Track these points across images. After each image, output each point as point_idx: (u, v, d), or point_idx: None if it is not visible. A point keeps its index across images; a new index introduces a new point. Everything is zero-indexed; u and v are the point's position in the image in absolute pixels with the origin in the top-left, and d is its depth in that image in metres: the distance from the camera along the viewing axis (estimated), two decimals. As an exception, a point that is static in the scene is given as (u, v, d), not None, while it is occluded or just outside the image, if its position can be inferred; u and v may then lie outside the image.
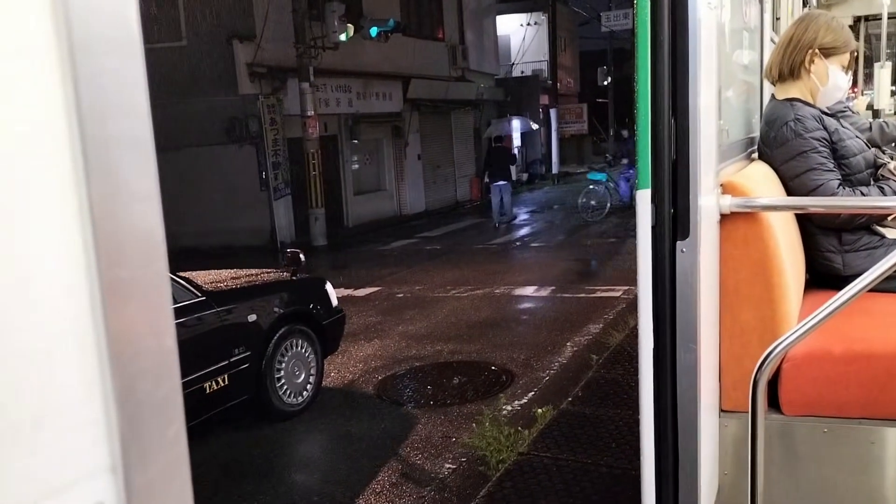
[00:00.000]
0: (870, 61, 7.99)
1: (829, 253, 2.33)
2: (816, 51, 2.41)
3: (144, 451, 0.48)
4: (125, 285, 0.47)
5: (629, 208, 13.96)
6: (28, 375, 0.43)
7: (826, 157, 2.28)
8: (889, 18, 6.06)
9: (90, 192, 0.46)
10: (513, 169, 16.93)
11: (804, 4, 5.40)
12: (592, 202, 15.05)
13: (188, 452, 0.52)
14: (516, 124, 21.65)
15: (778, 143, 2.33)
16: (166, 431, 0.49)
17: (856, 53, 2.52)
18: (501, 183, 15.07)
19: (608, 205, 14.99)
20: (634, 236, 1.71)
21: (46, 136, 0.45)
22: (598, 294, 8.46)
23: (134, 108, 0.49)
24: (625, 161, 15.84)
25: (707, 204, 1.71)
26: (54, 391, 0.45)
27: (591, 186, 15.46)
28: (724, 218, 1.85)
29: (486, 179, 15.96)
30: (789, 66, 2.45)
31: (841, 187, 2.23)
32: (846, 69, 2.47)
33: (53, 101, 0.45)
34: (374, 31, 14.78)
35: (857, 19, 6.87)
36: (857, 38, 7.13)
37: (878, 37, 6.81)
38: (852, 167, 2.36)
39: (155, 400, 0.48)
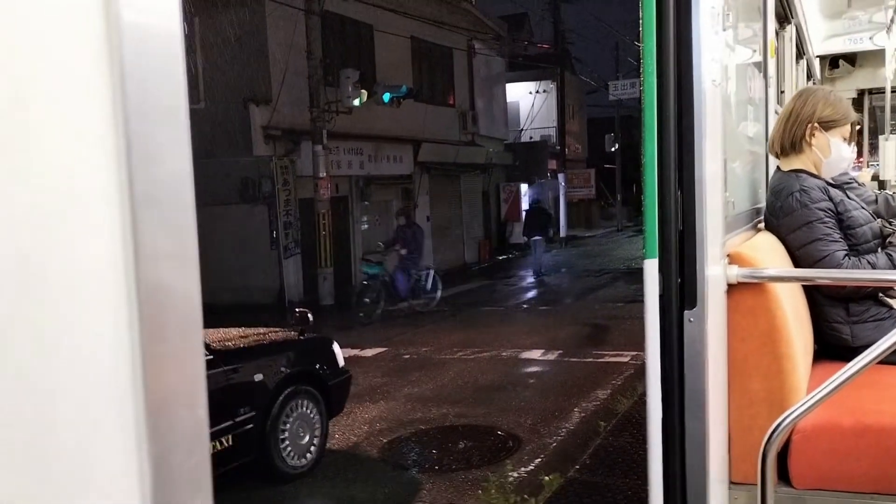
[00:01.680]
0: (874, 133, 8.09)
1: (837, 324, 2.33)
2: (816, 124, 2.46)
3: None
4: (164, 356, 0.49)
5: (407, 301, 13.00)
6: (67, 445, 0.45)
7: (832, 228, 2.31)
8: (893, 91, 6.17)
9: (137, 259, 0.48)
10: (548, 227, 19.32)
11: (808, 78, 5.52)
12: (366, 299, 12.69)
13: None
14: (537, 193, 23.39)
15: (784, 213, 2.36)
16: (194, 502, 0.51)
17: (857, 125, 2.58)
18: (537, 238, 17.57)
19: (382, 302, 12.58)
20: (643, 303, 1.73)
21: (95, 192, 0.47)
22: (607, 359, 8.40)
23: (180, 169, 0.51)
24: (403, 251, 13.23)
25: (714, 274, 1.73)
26: (93, 460, 0.46)
27: (364, 282, 13.33)
28: (732, 288, 1.86)
29: (525, 236, 18.76)
30: (791, 140, 2.50)
31: (847, 258, 2.25)
32: (848, 140, 2.52)
33: (104, 165, 0.47)
34: (386, 96, 15.14)
35: (861, 92, 7.01)
36: (862, 111, 7.25)
37: (882, 109, 6.93)
38: (858, 237, 2.38)
39: (186, 470, 0.50)
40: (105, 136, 0.47)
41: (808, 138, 2.47)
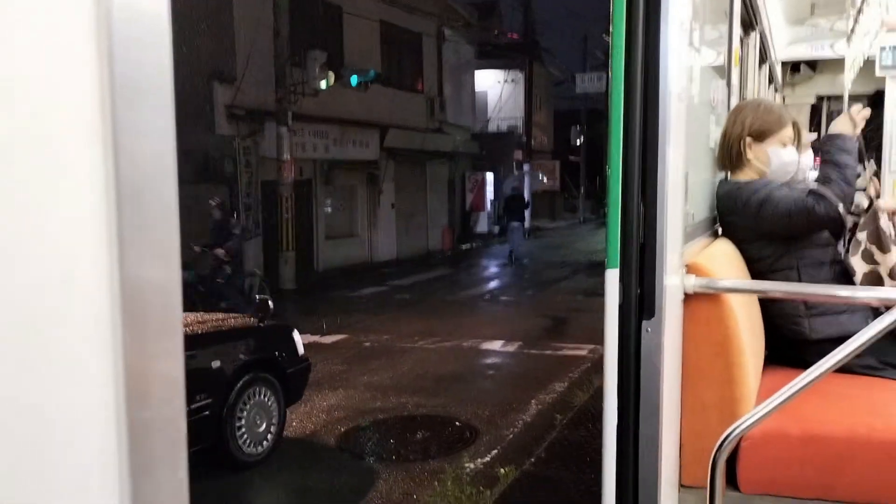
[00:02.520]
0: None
1: (797, 317, 2.38)
2: (747, 139, 2.51)
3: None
4: (145, 345, 0.49)
5: None
6: (48, 437, 0.45)
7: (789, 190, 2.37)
8: (850, 98, 6.33)
9: (121, 247, 0.47)
10: (526, 213, 20.21)
11: (770, 82, 5.63)
12: None
13: None
14: (516, 181, 24.81)
15: (748, 207, 2.40)
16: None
17: (796, 124, 2.61)
18: (515, 224, 18.47)
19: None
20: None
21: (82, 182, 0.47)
22: (565, 352, 8.50)
23: (164, 151, 0.51)
24: (220, 252, 10.55)
25: (672, 284, 1.76)
26: (73, 450, 0.47)
27: None
28: (688, 298, 1.90)
29: (505, 221, 19.91)
30: (730, 158, 2.56)
31: (811, 196, 2.30)
32: (792, 143, 2.56)
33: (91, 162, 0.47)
34: (354, 80, 15.00)
35: (821, 98, 7.17)
36: (820, 116, 7.42)
37: (840, 114, 7.10)
38: (819, 238, 2.45)
39: (165, 459, 0.51)
40: (91, 116, 0.47)
41: (745, 154, 2.52)
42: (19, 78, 0.44)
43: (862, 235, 2.43)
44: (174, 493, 0.52)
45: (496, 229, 25.18)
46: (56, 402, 0.46)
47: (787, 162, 2.52)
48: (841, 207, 2.27)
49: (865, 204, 2.60)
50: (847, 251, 2.50)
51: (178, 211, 0.52)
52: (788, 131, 2.53)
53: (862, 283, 2.39)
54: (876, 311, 2.26)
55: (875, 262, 2.39)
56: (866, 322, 2.26)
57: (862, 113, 2.50)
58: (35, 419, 0.45)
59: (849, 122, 2.48)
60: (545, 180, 30.30)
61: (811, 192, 2.31)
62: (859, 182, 2.53)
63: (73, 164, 0.47)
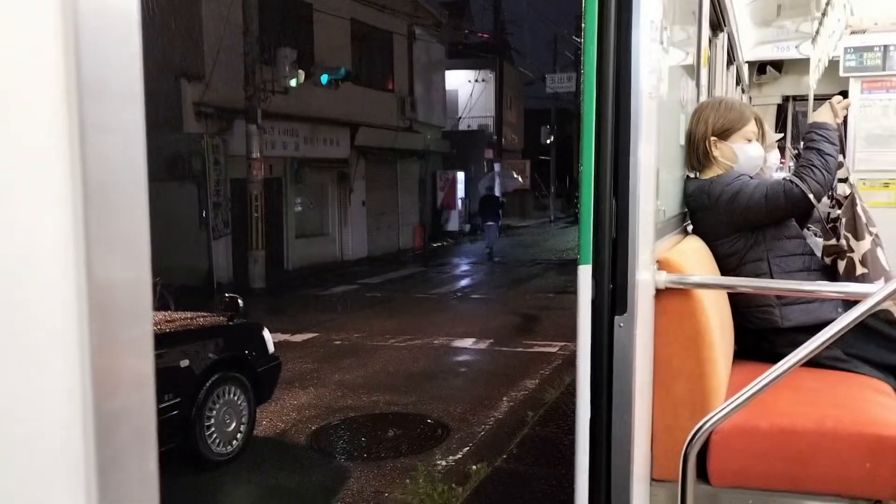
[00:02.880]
0: (797, 138, 8.43)
1: (768, 307, 2.41)
2: (712, 138, 2.55)
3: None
4: (114, 345, 0.48)
5: None
6: (12, 435, 0.44)
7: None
8: (815, 99, 6.44)
9: (88, 242, 0.47)
10: (500, 212, 20.60)
11: (737, 83, 5.71)
12: None
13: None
14: (490, 181, 25.28)
15: (720, 199, 2.43)
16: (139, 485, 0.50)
17: (759, 119, 2.65)
18: (491, 223, 18.94)
19: None
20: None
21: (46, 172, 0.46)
22: (536, 349, 8.54)
23: (133, 150, 0.51)
24: None
25: (644, 280, 1.78)
26: (38, 451, 0.46)
27: None
28: (660, 293, 1.92)
29: (480, 220, 20.32)
30: (697, 158, 2.60)
31: (787, 181, 2.35)
32: (757, 136, 2.60)
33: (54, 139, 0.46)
34: (324, 78, 14.92)
35: (786, 98, 7.29)
36: (785, 116, 7.55)
37: (805, 114, 7.23)
38: (790, 230, 2.50)
39: (134, 458, 0.50)
40: (57, 113, 0.46)
41: (711, 152, 2.55)
42: None
43: (843, 219, 2.49)
44: (143, 486, 0.51)
45: (467, 227, 25.26)
46: (20, 395, 0.45)
47: (753, 157, 2.57)
48: (818, 190, 2.32)
49: (847, 192, 2.64)
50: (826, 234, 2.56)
51: (148, 208, 0.52)
52: (751, 126, 2.57)
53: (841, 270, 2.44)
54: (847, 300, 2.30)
55: (850, 250, 2.44)
56: (837, 310, 2.31)
57: (843, 103, 2.56)
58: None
59: (830, 112, 2.52)
60: (519, 179, 30.49)
61: (788, 179, 2.37)
62: (840, 172, 2.58)
63: (39, 161, 0.46)
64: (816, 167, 2.35)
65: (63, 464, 0.46)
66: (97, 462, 0.46)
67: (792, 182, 2.33)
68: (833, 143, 2.41)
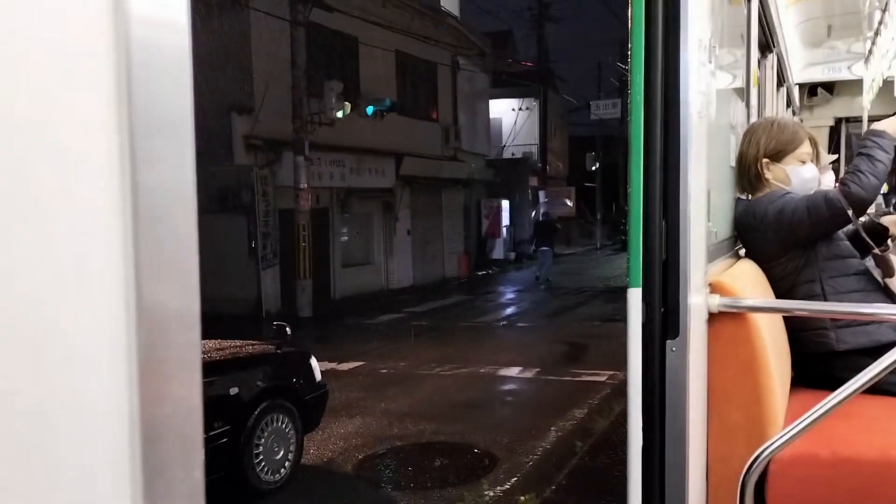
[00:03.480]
0: (851, 161, 8.21)
1: (823, 329, 2.33)
2: (765, 160, 2.48)
3: None
4: (162, 374, 0.49)
5: None
6: (58, 459, 0.45)
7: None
8: (869, 120, 6.28)
9: (137, 271, 0.47)
10: (555, 239, 21.07)
11: (787, 105, 5.61)
12: None
13: None
14: (546, 207, 25.81)
15: (767, 218, 2.37)
16: None
17: (813, 140, 2.57)
18: (545, 249, 19.33)
19: None
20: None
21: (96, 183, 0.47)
22: (584, 378, 8.41)
23: (183, 182, 0.51)
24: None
25: (696, 303, 1.74)
26: (85, 476, 0.46)
27: None
28: (713, 317, 1.87)
29: (534, 245, 20.67)
30: (748, 181, 2.54)
31: (833, 192, 2.27)
32: (811, 159, 2.52)
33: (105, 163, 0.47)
34: (370, 109, 15.16)
35: (839, 121, 7.13)
36: (839, 139, 7.37)
37: (860, 137, 7.05)
38: (842, 250, 2.42)
39: (180, 494, 0.49)
40: (110, 146, 0.47)
41: (763, 174, 2.49)
42: (40, 110, 0.45)
43: None
44: (190, 495, 0.50)
45: (512, 255, 25.18)
46: (66, 401, 0.45)
47: (807, 178, 2.49)
48: (860, 194, 2.23)
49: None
50: (887, 247, 2.46)
51: (198, 240, 0.52)
52: (805, 147, 2.50)
53: None
54: None
55: None
56: (895, 331, 2.22)
57: None
58: (45, 419, 0.45)
59: (894, 123, 2.44)
60: (569, 204, 30.53)
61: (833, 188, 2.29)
62: None
63: (91, 193, 0.47)
64: (863, 172, 2.26)
65: (109, 472, 0.46)
66: (143, 470, 0.46)
67: (835, 189, 2.25)
68: (887, 152, 2.32)
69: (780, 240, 2.37)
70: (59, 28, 0.45)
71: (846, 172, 2.34)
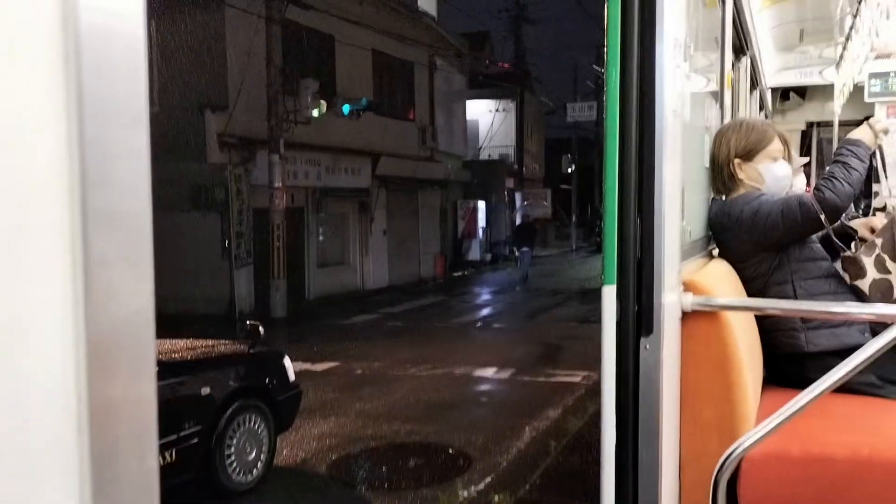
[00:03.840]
0: (822, 165, 8.33)
1: (793, 331, 2.35)
2: (736, 161, 2.50)
3: None
4: (113, 375, 0.47)
5: None
6: (8, 498, 0.43)
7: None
8: (840, 126, 6.37)
9: (87, 268, 0.46)
10: (535, 240, 22.02)
11: (760, 109, 5.68)
12: None
13: None
14: (526, 209, 27.37)
15: (742, 219, 2.39)
16: None
17: (783, 137, 2.59)
18: (525, 250, 20.33)
19: None
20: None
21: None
22: (559, 378, 8.44)
23: (137, 175, 0.50)
24: None
25: (670, 301, 1.74)
26: (33, 483, 0.44)
27: None
28: (686, 315, 1.88)
29: (515, 246, 21.61)
30: (722, 182, 2.55)
31: (804, 198, 2.29)
32: (783, 156, 2.54)
33: (55, 164, 0.45)
34: (346, 108, 15.09)
35: (810, 125, 7.23)
36: (810, 143, 7.48)
37: (830, 141, 7.17)
38: (815, 252, 2.44)
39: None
40: (57, 137, 0.45)
41: (736, 175, 2.51)
42: None
43: (878, 240, 2.41)
44: (142, 482, 0.48)
45: (488, 257, 25.23)
46: (11, 385, 0.44)
47: (780, 177, 2.51)
48: (834, 201, 2.25)
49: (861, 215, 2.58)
50: (856, 250, 2.49)
51: (152, 235, 0.51)
52: (776, 145, 2.52)
53: (870, 290, 2.36)
54: (875, 324, 2.23)
55: (887, 272, 2.37)
56: (864, 335, 2.24)
57: (881, 125, 2.50)
58: None
59: (868, 132, 2.47)
60: (549, 207, 30.95)
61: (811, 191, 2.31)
62: (877, 201, 2.52)
63: (41, 187, 0.45)
64: (838, 178, 2.28)
65: (55, 456, 0.44)
66: (91, 455, 0.44)
67: (809, 194, 2.28)
68: (861, 160, 2.36)
69: (754, 241, 2.38)
70: (7, 17, 0.44)
71: (821, 178, 2.36)
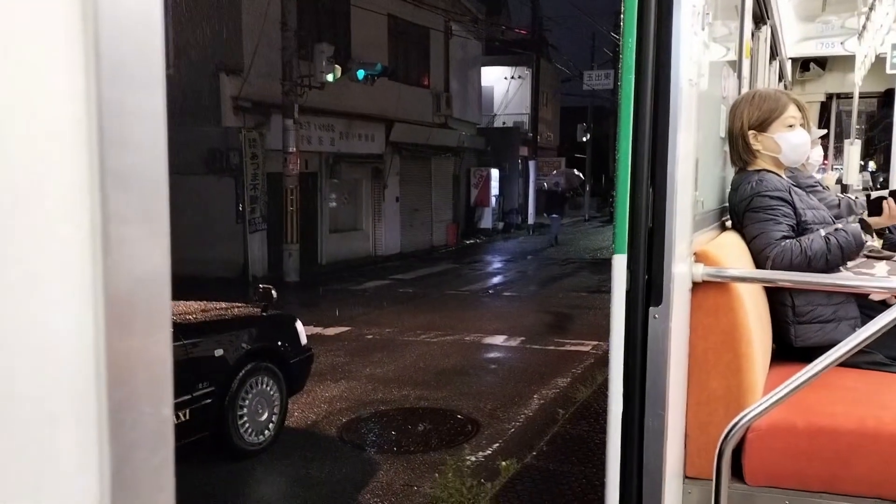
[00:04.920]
0: (840, 137, 8.23)
1: (785, 324, 2.36)
2: (750, 133, 2.48)
3: None
4: (130, 347, 0.48)
5: None
6: (23, 437, 0.44)
7: (779, 214, 2.32)
8: (860, 97, 6.28)
9: (105, 240, 0.47)
10: (565, 207, 25.20)
11: (780, 79, 5.59)
12: None
13: None
14: (557, 178, 28.26)
15: (741, 199, 2.39)
16: (157, 498, 0.50)
17: (799, 104, 2.55)
18: (555, 216, 22.91)
19: None
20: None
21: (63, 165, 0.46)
22: (568, 347, 8.48)
23: (152, 142, 0.51)
24: None
25: (680, 271, 1.74)
26: (50, 456, 0.45)
27: None
28: (696, 286, 1.88)
29: (545, 213, 24.57)
30: (738, 155, 2.53)
31: (783, 240, 2.27)
32: (799, 124, 2.51)
33: (75, 129, 0.46)
34: (361, 73, 14.98)
35: (830, 97, 7.12)
36: (829, 115, 7.38)
37: (849, 114, 7.06)
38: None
39: (149, 468, 0.49)
40: (77, 100, 0.46)
41: (752, 147, 2.48)
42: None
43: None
44: (158, 430, 0.50)
45: (500, 225, 25.22)
46: (29, 338, 0.45)
47: (796, 144, 2.48)
48: (808, 265, 2.24)
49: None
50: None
51: (169, 197, 0.51)
52: (791, 111, 2.48)
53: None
54: (866, 320, 2.22)
55: None
56: (853, 332, 2.24)
57: None
58: (5, 354, 0.44)
59: (887, 218, 2.48)
60: (579, 176, 31.84)
61: (789, 238, 2.29)
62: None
63: (57, 150, 0.46)
64: (817, 253, 2.24)
65: (73, 402, 0.46)
66: (108, 403, 0.45)
67: (783, 248, 2.26)
68: (848, 257, 2.33)
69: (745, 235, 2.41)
70: None
71: (814, 243, 2.27)
